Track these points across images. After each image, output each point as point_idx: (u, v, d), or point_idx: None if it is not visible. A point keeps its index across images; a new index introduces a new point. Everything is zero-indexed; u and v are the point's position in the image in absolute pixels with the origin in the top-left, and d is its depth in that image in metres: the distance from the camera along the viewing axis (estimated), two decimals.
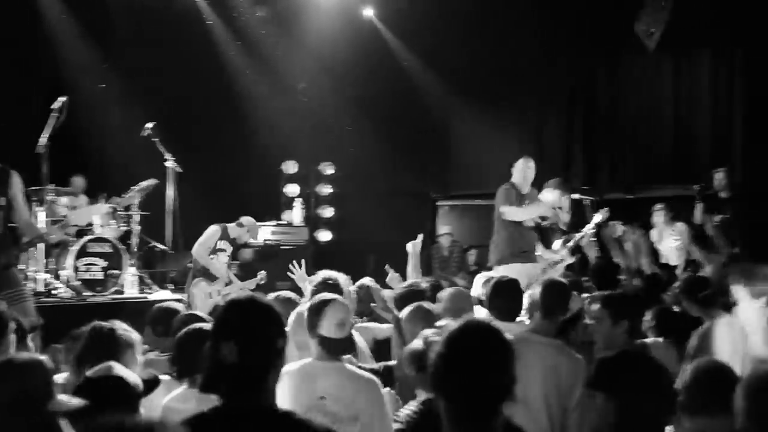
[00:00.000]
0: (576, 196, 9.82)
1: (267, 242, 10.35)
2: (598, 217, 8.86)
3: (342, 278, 4.95)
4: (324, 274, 4.97)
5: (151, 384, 3.13)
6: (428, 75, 12.03)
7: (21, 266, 8.46)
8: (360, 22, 12.02)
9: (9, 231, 5.90)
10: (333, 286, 4.70)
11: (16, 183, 5.85)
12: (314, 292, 4.49)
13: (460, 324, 2.54)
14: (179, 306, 5.34)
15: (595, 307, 4.48)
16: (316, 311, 3.73)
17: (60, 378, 4.12)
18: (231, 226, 8.32)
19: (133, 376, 3.04)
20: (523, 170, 8.08)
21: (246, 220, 8.42)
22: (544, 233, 8.86)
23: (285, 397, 3.28)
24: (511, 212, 7.91)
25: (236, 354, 2.41)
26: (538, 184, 8.60)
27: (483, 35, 11.32)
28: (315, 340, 3.69)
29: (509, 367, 2.43)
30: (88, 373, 3.08)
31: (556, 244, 9.01)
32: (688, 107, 11.63)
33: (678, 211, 10.23)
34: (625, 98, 11.95)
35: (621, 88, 11.99)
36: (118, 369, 3.01)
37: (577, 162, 12.13)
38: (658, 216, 10.08)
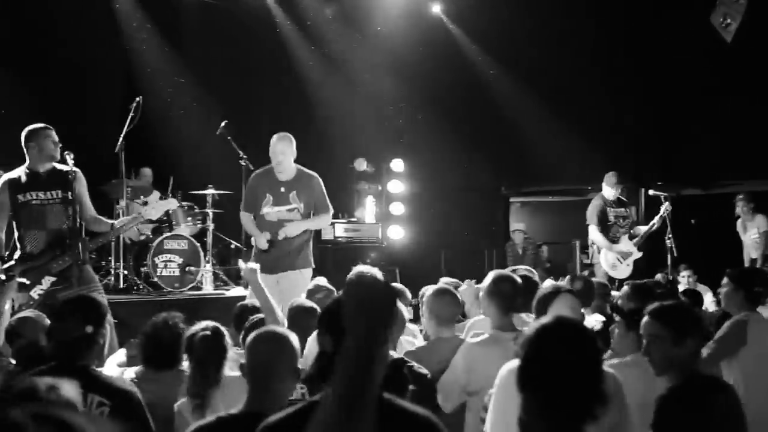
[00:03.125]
0: (652, 192, 9.75)
1: (339, 239, 10.40)
2: (662, 211, 9.01)
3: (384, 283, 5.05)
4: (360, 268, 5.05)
5: None
6: (499, 70, 11.92)
7: (102, 263, 8.71)
8: (428, 18, 11.98)
9: (80, 228, 6.08)
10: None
11: (81, 181, 6.04)
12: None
13: (552, 319, 2.56)
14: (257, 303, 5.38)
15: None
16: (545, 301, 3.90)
17: (131, 372, 4.22)
18: None
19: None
20: (610, 185, 9.28)
21: None
22: (612, 228, 9.05)
23: None
24: (594, 235, 9.25)
25: (332, 346, 2.44)
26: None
27: (554, 29, 11.17)
28: None
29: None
30: None
31: (624, 239, 9.07)
32: None
33: (758, 202, 10.05)
34: None
35: None
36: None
37: (652, 157, 11.88)
38: (739, 207, 10.01)
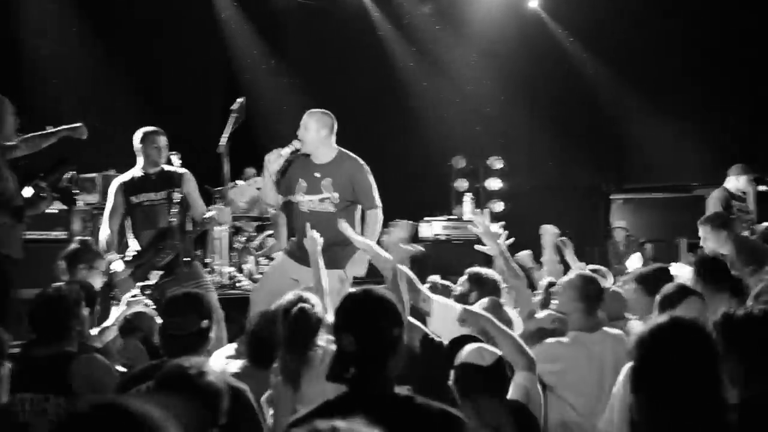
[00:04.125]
0: (762, 188, 9.39)
1: (437, 237, 10.38)
2: None
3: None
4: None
5: None
6: (598, 66, 11.69)
7: (207, 259, 8.91)
8: (525, 13, 11.84)
9: (188, 226, 6.24)
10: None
11: (191, 181, 6.20)
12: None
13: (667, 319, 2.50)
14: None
15: None
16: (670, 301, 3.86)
17: (235, 366, 4.29)
18: None
19: None
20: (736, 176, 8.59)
21: None
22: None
23: None
24: None
25: (354, 344, 2.51)
26: (722, 176, 8.59)
27: (657, 22, 10.90)
28: None
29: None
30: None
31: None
32: None
33: None
34: None
35: None
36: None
37: (762, 152, 11.43)
38: None
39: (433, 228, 10.39)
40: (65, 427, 1.58)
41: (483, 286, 4.80)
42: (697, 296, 4.07)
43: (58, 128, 5.82)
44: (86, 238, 6.20)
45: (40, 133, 5.77)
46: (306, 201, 5.90)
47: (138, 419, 1.54)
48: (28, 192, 5.38)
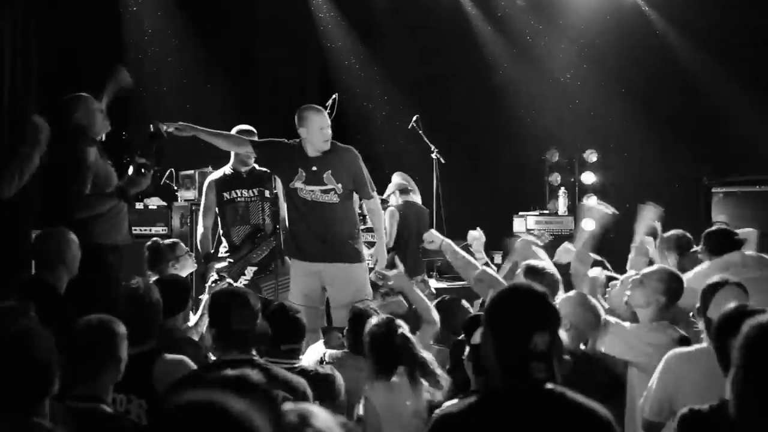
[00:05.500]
0: None
1: (531, 231, 10.28)
2: None
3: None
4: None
5: None
6: (698, 55, 11.33)
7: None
8: (623, 2, 11.57)
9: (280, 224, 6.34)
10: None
11: (277, 180, 6.31)
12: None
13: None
14: (463, 301, 5.40)
15: None
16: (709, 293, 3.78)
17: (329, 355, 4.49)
18: None
19: None
20: None
21: None
22: None
23: None
24: None
25: (548, 344, 2.52)
26: None
27: (756, 8, 10.52)
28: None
29: None
30: None
31: None
32: None
33: None
34: None
35: None
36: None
37: None
38: None
39: (527, 222, 10.34)
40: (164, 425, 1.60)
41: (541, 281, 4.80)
42: (735, 285, 3.94)
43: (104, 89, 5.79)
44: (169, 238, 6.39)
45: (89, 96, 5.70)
46: (307, 190, 5.87)
47: (236, 420, 1.54)
48: (129, 171, 5.50)
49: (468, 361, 3.43)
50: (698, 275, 5.04)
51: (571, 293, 4.52)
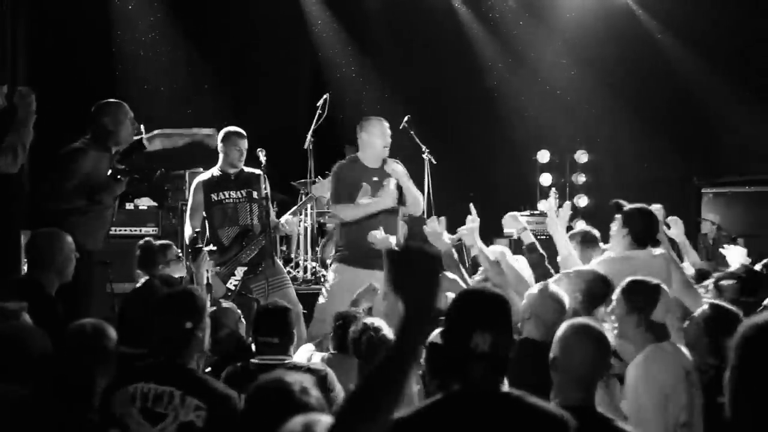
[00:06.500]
0: None
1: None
2: None
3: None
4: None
5: None
6: (687, 55, 11.36)
7: (291, 255, 9.05)
8: (612, 3, 11.59)
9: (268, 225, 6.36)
10: None
11: (266, 182, 6.35)
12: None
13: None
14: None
15: None
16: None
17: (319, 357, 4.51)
18: None
19: None
20: None
21: None
22: None
23: None
24: None
25: (490, 345, 2.49)
26: None
27: (746, 9, 10.57)
28: None
29: None
30: None
31: None
32: None
33: None
34: None
35: None
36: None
37: None
38: None
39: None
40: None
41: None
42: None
43: (194, 131, 6.02)
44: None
45: (178, 131, 5.98)
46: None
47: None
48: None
49: (424, 362, 3.44)
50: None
51: (537, 285, 4.51)
